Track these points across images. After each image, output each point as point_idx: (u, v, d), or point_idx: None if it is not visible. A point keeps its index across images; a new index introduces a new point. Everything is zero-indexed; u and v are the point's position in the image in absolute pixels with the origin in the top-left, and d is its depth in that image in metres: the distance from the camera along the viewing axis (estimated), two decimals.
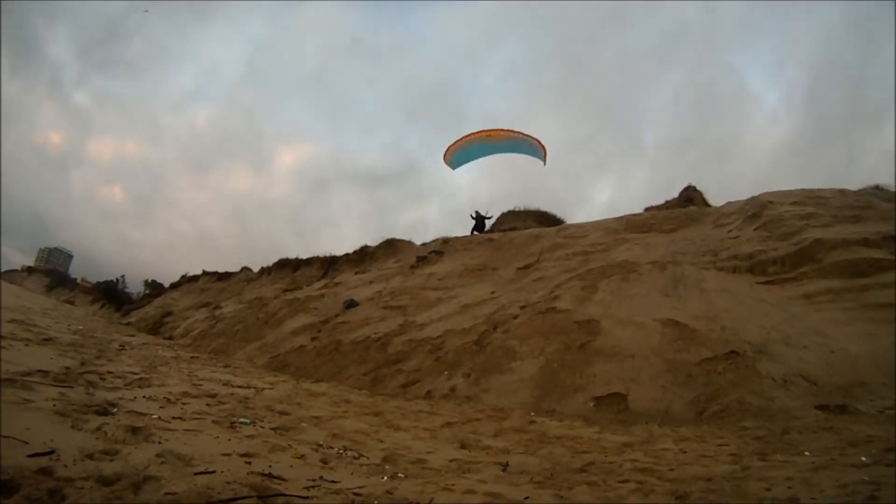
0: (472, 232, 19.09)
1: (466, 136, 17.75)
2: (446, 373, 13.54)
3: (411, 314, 18.62)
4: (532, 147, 17.88)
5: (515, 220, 33.22)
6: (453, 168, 17.92)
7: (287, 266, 36.31)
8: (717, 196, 31.16)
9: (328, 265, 33.95)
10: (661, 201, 32.76)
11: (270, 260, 37.72)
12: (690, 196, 32.51)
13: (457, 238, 28.86)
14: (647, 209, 30.66)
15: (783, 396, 10.44)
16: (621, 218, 25.82)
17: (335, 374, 15.28)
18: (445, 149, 18.22)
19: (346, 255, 34.13)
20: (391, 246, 32.43)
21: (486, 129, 17.63)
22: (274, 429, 6.89)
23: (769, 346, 12.27)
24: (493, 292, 19.13)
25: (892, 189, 22.77)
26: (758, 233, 18.72)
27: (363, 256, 32.72)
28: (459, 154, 18.27)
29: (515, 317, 15.57)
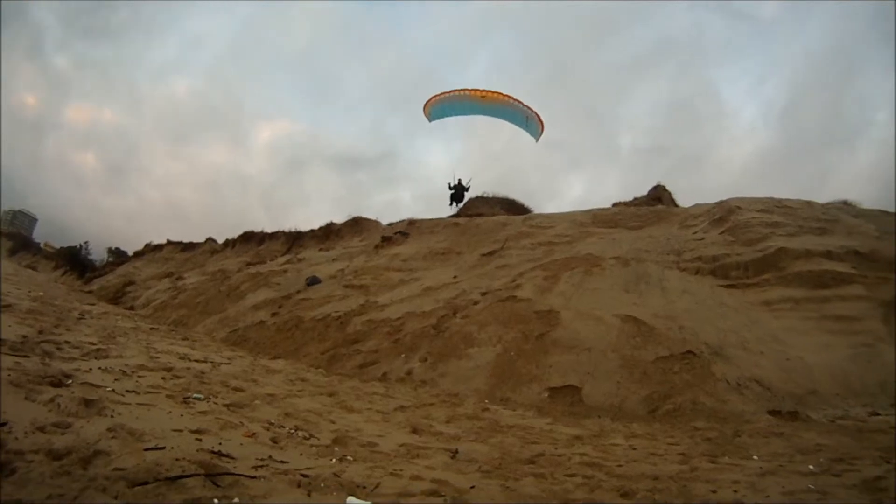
0: (450, 202, 18.64)
1: (456, 91, 16.47)
2: (404, 355, 13.54)
3: (373, 294, 18.60)
4: (528, 120, 16.76)
5: (483, 205, 33.16)
6: (430, 120, 16.73)
7: (252, 239, 36.07)
8: (686, 198, 31.37)
9: (293, 240, 33.77)
10: (630, 199, 32.93)
11: (238, 233, 37.46)
12: (659, 195, 32.63)
13: (423, 220, 28.82)
14: (614, 205, 30.78)
15: (736, 400, 10.53)
16: (588, 212, 25.93)
17: (293, 351, 15.23)
18: (428, 98, 17.05)
19: (312, 231, 33.96)
20: (357, 224, 32.32)
21: (481, 88, 16.25)
22: (227, 405, 6.81)
23: (726, 348, 12.38)
24: (455, 277, 19.16)
25: (860, 205, 23.12)
26: (723, 236, 18.89)
27: (328, 233, 32.59)
28: (443, 106, 16.90)
29: (476, 303, 15.61)
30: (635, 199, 32.53)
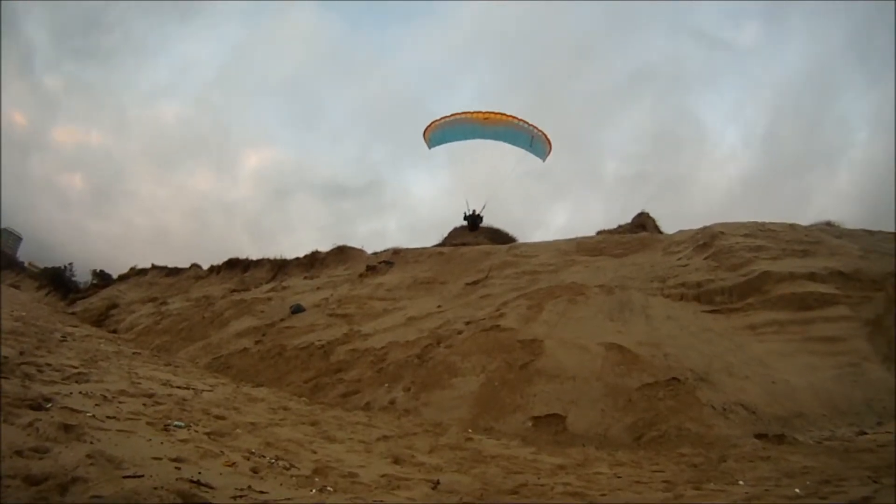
0: (469, 230, 18.45)
1: (457, 114, 15.73)
2: (387, 385, 13.49)
3: (356, 323, 18.50)
4: (533, 140, 16.02)
5: (467, 235, 33.30)
6: (430, 146, 16.17)
7: (237, 266, 35.99)
8: (670, 225, 31.50)
9: (278, 268, 33.73)
10: (614, 226, 33.05)
11: (223, 259, 37.39)
12: (643, 222, 32.75)
13: (408, 249, 28.83)
14: (598, 233, 30.86)
15: (722, 424, 10.47)
16: (572, 240, 25.91)
17: (276, 379, 15.14)
18: (428, 124, 16.36)
19: (297, 258, 33.94)
20: (342, 253, 32.30)
21: (482, 110, 15.59)
22: (208, 433, 6.72)
23: (711, 374, 12.35)
24: (439, 306, 19.10)
25: (843, 225, 23.30)
26: (707, 262, 18.91)
27: (313, 261, 32.55)
28: (443, 131, 16.17)
29: (460, 332, 15.51)
30: (619, 226, 32.62)
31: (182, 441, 6.07)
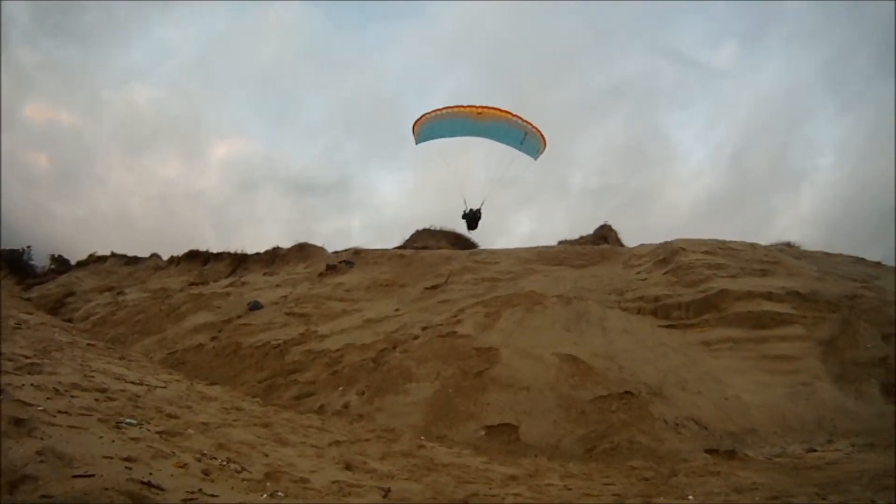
0: (469, 228, 17.70)
1: (449, 108, 15.03)
2: (341, 388, 13.43)
3: (314, 323, 18.40)
4: (526, 136, 15.18)
5: (430, 238, 33.11)
6: (417, 142, 15.30)
7: (197, 258, 35.50)
8: (632, 238, 31.64)
9: (238, 263, 33.35)
10: (576, 237, 33.17)
11: (184, 250, 36.91)
12: (605, 234, 32.87)
13: (369, 250, 28.59)
14: (560, 243, 30.95)
15: (674, 439, 10.60)
16: (533, 249, 26.04)
17: (231, 377, 15.03)
18: (418, 117, 14.65)
19: (258, 254, 33.59)
20: (303, 250, 32.06)
21: (476, 104, 14.80)
22: (160, 433, 6.63)
23: (664, 388, 12.52)
24: (397, 310, 19.03)
25: (802, 247, 23.68)
26: (666, 277, 19.11)
27: (274, 258, 32.27)
28: (432, 125, 15.25)
29: (416, 337, 15.51)
30: (581, 237, 32.71)
31: (133, 440, 5.98)
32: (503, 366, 13.25)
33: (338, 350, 15.41)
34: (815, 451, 10.51)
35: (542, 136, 15.24)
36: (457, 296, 19.60)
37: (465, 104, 14.62)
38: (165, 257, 38.13)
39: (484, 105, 14.49)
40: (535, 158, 15.76)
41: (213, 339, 18.36)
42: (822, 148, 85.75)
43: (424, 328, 16.10)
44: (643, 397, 11.93)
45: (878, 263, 21.53)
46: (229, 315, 20.65)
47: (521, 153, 15.01)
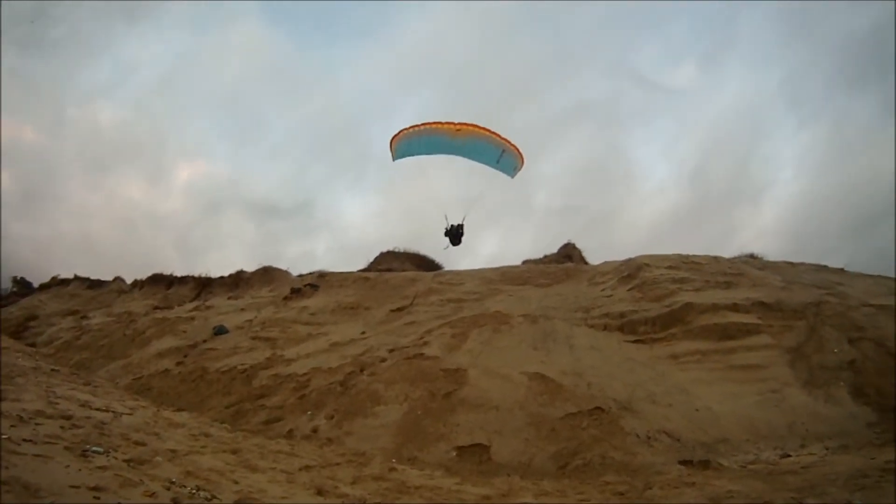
0: (452, 244, 16.99)
1: (428, 124, 14.54)
2: (310, 412, 13.29)
3: (280, 348, 18.23)
4: (505, 154, 14.98)
5: (394, 260, 33.08)
6: (395, 158, 14.93)
7: (161, 282, 35.13)
8: (596, 256, 31.84)
9: (202, 286, 33.07)
10: (541, 256, 33.29)
11: (147, 273, 36.54)
12: (569, 253, 33.04)
13: (334, 273, 28.50)
14: (524, 262, 31.06)
15: (646, 452, 10.59)
16: (498, 269, 26.02)
17: (198, 403, 14.81)
18: (396, 132, 15.12)
19: (222, 277, 33.37)
20: (267, 274, 31.88)
21: (454, 121, 14.48)
22: (127, 461, 6.53)
23: (634, 403, 12.53)
24: (363, 333, 18.91)
25: (765, 258, 23.97)
26: (631, 293, 19.16)
27: (238, 281, 32.04)
28: (410, 142, 14.85)
29: (383, 360, 15.40)
30: (545, 256, 32.84)
31: (100, 468, 5.90)
32: (472, 386, 13.23)
33: (305, 374, 15.28)
34: (788, 456, 10.62)
35: (519, 153, 15.15)
36: (423, 317, 19.56)
37: (443, 120, 14.44)
38: (129, 280, 37.71)
39: (462, 122, 14.31)
40: (512, 176, 15.64)
41: (178, 364, 18.16)
42: (781, 162, 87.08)
43: (391, 350, 16.02)
44: (613, 412, 11.92)
45: (840, 270, 21.86)
46: (195, 339, 20.47)
47: (498, 171, 14.92)
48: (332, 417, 12.83)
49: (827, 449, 10.79)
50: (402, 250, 34.50)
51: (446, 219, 15.42)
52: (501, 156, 14.94)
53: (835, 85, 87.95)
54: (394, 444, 11.55)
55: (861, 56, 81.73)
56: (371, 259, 34.72)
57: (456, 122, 14.31)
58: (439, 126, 14.43)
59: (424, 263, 32.74)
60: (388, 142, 14.76)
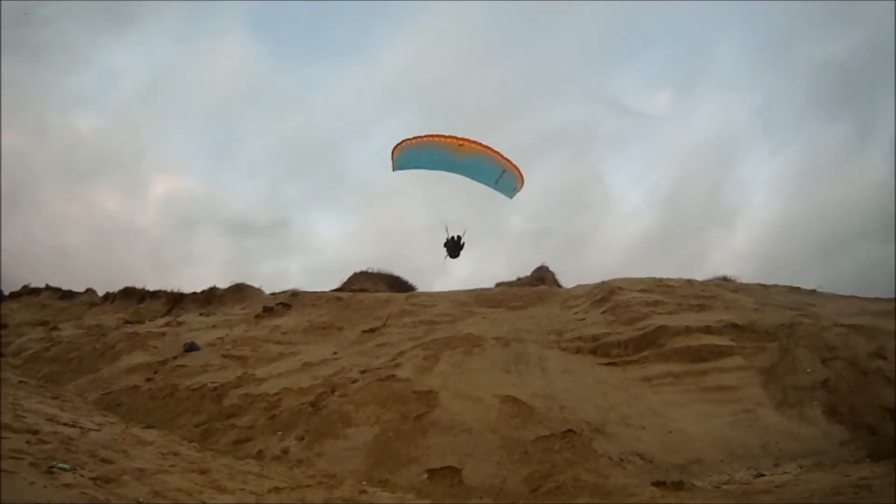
0: (451, 256, 16.36)
1: (432, 136, 14.37)
2: (280, 433, 13.13)
3: (251, 366, 18.09)
4: (505, 174, 14.86)
5: (367, 281, 32.99)
6: (395, 168, 15.03)
7: (133, 296, 34.74)
8: (569, 279, 31.97)
9: (174, 302, 32.75)
10: (514, 279, 33.38)
11: (119, 286, 36.15)
12: (542, 276, 33.13)
13: (307, 292, 28.38)
14: (498, 285, 31.12)
15: (619, 474, 10.51)
16: (471, 291, 26.05)
17: (167, 421, 14.55)
18: (398, 142, 14.64)
19: (194, 293, 33.10)
20: (240, 291, 31.67)
21: (458, 135, 14.24)
22: (94, 479, 6.41)
23: (607, 425, 12.53)
24: (335, 353, 18.80)
25: (738, 280, 24.24)
26: (604, 316, 19.23)
27: (210, 298, 31.77)
28: (412, 153, 14.70)
29: (354, 381, 15.30)
30: (519, 279, 32.90)
31: (66, 486, 5.83)
32: (443, 409, 13.16)
33: (276, 394, 15.13)
34: (763, 475, 10.64)
35: (520, 174, 15.02)
36: (395, 339, 19.51)
37: (446, 133, 14.26)
38: (101, 293, 37.31)
39: (465, 138, 14.18)
40: (511, 197, 15.53)
41: (148, 380, 17.95)
42: (754, 187, 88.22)
43: (363, 372, 15.94)
44: (586, 435, 11.89)
45: (813, 291, 22.18)
46: (165, 356, 20.27)
47: (495, 192, 14.80)
48: (302, 438, 12.70)
49: (801, 467, 10.84)
50: (375, 271, 34.46)
51: (446, 230, 15.48)
52: (501, 176, 14.83)
53: (807, 112, 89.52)
54: (364, 467, 11.45)
55: (834, 84, 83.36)
56: (344, 279, 34.64)
57: (459, 136, 14.17)
58: (442, 140, 14.26)
59: (398, 284, 32.72)
60: (390, 151, 14.59)
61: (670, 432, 12.49)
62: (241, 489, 8.39)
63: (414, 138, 14.39)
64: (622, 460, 11.17)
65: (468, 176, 14.77)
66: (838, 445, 11.82)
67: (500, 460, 11.37)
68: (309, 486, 9.69)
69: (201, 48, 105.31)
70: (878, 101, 78.77)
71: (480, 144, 14.20)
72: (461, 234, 15.29)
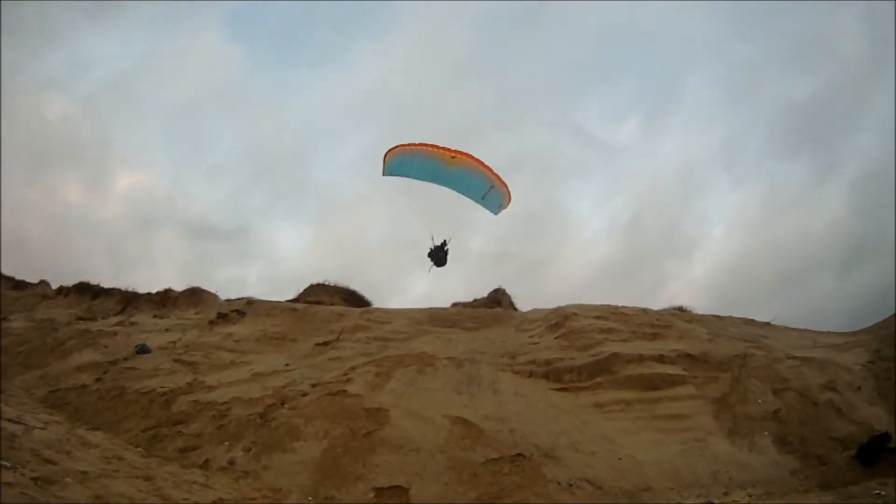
0: (436, 265, 15.94)
1: (425, 145, 14.19)
2: (227, 443, 12.97)
3: (201, 373, 17.83)
4: (493, 190, 14.71)
5: (323, 293, 32.70)
6: (385, 173, 14.40)
7: (87, 292, 34.07)
8: (525, 303, 32.03)
9: (128, 301, 32.19)
10: (471, 299, 33.42)
11: (74, 281, 35.51)
12: (499, 298, 33.13)
13: (262, 301, 28.12)
14: (453, 305, 31.13)
15: (567, 499, 10.62)
16: (427, 310, 25.86)
17: (114, 424, 14.22)
18: (392, 146, 13.80)
19: (149, 294, 32.68)
20: (195, 295, 31.25)
21: (450, 148, 14.15)
22: (35, 479, 6.30)
23: (557, 450, 12.56)
24: (287, 365, 18.65)
25: (694, 311, 24.44)
26: (558, 341, 19.28)
27: (165, 300, 31.26)
28: (404, 159, 14.48)
29: (305, 394, 15.20)
30: (475, 300, 32.83)
31: (7, 485, 5.77)
32: (393, 427, 13.15)
33: (225, 403, 14.94)
34: (712, 503, 10.84)
35: (507, 190, 14.95)
36: (348, 353, 19.38)
37: (440, 144, 14.15)
38: (55, 285, 36.70)
39: (458, 150, 14.16)
40: (496, 213, 15.45)
41: (97, 380, 17.63)
42: (714, 220, 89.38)
43: (314, 385, 15.82)
44: (535, 459, 11.98)
45: (767, 324, 22.48)
46: (116, 356, 19.94)
47: (481, 207, 14.68)
48: (249, 450, 12.57)
49: (751, 496, 11.03)
50: (332, 284, 34.25)
51: (432, 239, 15.34)
52: (489, 191, 14.78)
53: (769, 150, 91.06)
54: (311, 482, 11.38)
55: (797, 124, 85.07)
56: (301, 290, 34.42)
57: (452, 148, 14.15)
58: (436, 150, 14.22)
59: (354, 299, 32.53)
60: (383, 155, 14.32)
61: (620, 459, 12.55)
62: (186, 499, 8.31)
63: (408, 145, 14.35)
64: (571, 485, 11.22)
65: (456, 189, 14.71)
66: (788, 475, 12.04)
67: (448, 481, 11.39)
68: (254, 499, 9.65)
69: (177, 44, 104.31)
70: (838, 143, 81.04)
71: (473, 158, 14.24)
72: (446, 241, 15.13)
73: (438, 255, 15.14)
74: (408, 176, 14.62)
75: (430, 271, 15.41)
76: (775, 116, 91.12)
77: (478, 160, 14.30)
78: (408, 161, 14.49)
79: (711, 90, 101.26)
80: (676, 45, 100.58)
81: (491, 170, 14.44)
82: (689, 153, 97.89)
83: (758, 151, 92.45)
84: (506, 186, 14.79)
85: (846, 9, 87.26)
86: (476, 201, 14.94)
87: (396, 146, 14.42)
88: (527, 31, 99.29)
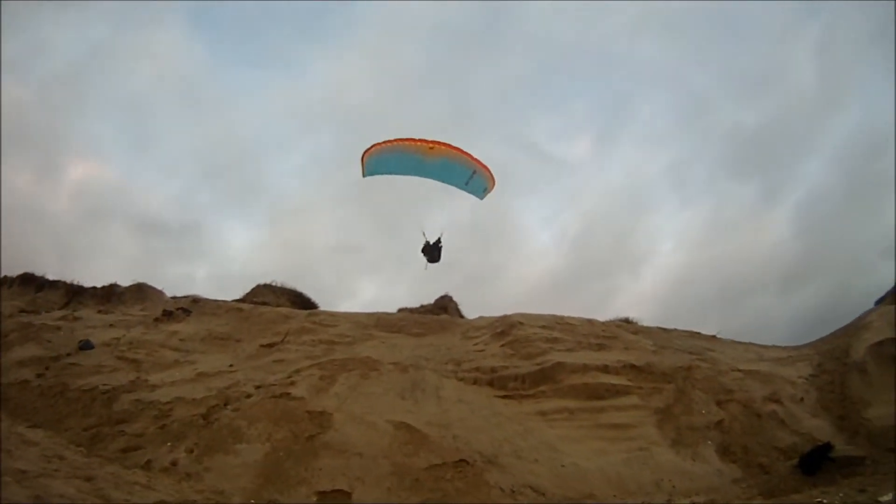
0: (431, 261, 15.59)
1: (401, 140, 14.07)
2: (170, 444, 12.83)
3: (145, 371, 17.59)
4: (476, 175, 14.64)
5: (270, 294, 32.34)
6: (365, 174, 14.73)
7: (31, 283, 33.31)
8: (472, 310, 32.10)
9: (73, 295, 31.70)
10: (418, 305, 33.45)
11: (18, 272, 34.80)
12: (445, 304, 33.16)
13: (208, 300, 27.73)
14: (400, 310, 31.16)
15: None
16: (373, 314, 25.79)
17: (55, 421, 14.06)
18: (368, 147, 14.27)
19: (94, 288, 32.21)
20: (141, 291, 30.77)
21: (427, 138, 14.06)
22: None
23: (500, 457, 12.66)
24: (231, 365, 18.55)
25: (640, 322, 24.73)
26: (503, 349, 19.36)
27: (110, 295, 30.75)
28: (382, 157, 14.37)
29: (249, 396, 15.13)
30: (422, 306, 32.77)
31: None
32: (336, 431, 13.14)
33: (168, 402, 14.79)
34: None
35: (490, 174, 14.93)
36: (293, 356, 19.25)
37: (416, 137, 14.11)
38: None
39: (435, 140, 14.05)
40: (482, 198, 15.43)
41: (39, 376, 17.32)
42: (662, 236, 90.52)
43: (258, 387, 15.71)
44: (478, 466, 12.08)
45: (713, 337, 22.80)
46: (59, 352, 19.59)
47: (466, 193, 14.90)
48: (192, 451, 12.43)
49: None
50: (279, 285, 34.00)
51: (424, 235, 15.30)
52: (472, 177, 14.78)
53: (717, 172, 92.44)
54: (254, 485, 11.37)
55: (744, 149, 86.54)
56: (247, 290, 34.15)
57: (429, 139, 14.09)
58: (412, 143, 14.15)
59: (300, 301, 32.26)
60: (360, 156, 14.61)
61: (563, 466, 12.69)
62: (127, 500, 8.22)
63: (384, 142, 14.26)
64: (514, 492, 11.34)
65: (438, 179, 14.70)
66: (731, 483, 12.33)
67: (390, 486, 11.46)
68: (196, 501, 9.62)
69: (136, 36, 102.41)
70: (784, 169, 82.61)
71: (451, 146, 14.19)
72: (439, 237, 15.08)
73: (432, 252, 15.11)
74: (388, 173, 14.66)
75: (426, 268, 15.33)
76: (725, 141, 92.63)
77: (457, 148, 14.28)
78: (385, 158, 14.44)
79: (663, 114, 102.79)
80: (630, 69, 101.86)
81: (471, 156, 14.46)
82: (639, 172, 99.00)
83: (707, 173, 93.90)
84: (488, 170, 14.81)
85: (797, 41, 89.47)
86: (460, 188, 14.95)
87: (372, 146, 14.34)
88: (484, 45, 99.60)
